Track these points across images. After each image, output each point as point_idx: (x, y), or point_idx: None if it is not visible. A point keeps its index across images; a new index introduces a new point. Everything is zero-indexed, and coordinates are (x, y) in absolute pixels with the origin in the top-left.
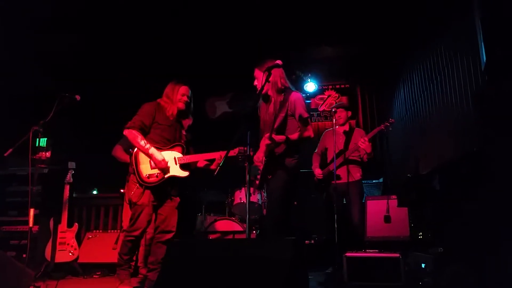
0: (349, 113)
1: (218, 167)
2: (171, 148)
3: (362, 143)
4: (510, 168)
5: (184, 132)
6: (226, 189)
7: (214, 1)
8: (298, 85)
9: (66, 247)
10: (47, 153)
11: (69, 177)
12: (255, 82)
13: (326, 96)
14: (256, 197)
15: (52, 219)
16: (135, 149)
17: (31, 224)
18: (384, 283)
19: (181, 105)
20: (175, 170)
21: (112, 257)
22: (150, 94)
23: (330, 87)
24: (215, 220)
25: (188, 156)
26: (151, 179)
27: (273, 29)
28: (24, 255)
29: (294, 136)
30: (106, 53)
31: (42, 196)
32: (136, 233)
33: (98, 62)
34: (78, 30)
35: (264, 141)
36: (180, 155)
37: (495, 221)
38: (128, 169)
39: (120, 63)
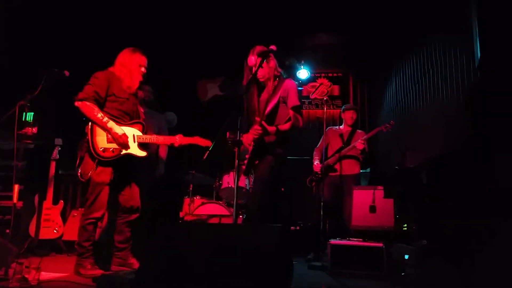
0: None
1: (207, 151)
2: (131, 125)
3: (360, 144)
4: (498, 165)
5: (141, 109)
6: (214, 173)
7: None
8: (291, 72)
9: (50, 224)
10: (34, 129)
11: (55, 153)
12: (248, 67)
13: (318, 84)
14: (244, 182)
15: (37, 195)
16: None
17: (15, 200)
18: (366, 272)
19: (141, 78)
20: (133, 149)
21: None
22: None
23: (323, 75)
24: (202, 203)
25: (148, 136)
26: (106, 154)
27: (267, 15)
28: (8, 231)
29: (285, 126)
30: (97, 29)
31: (27, 172)
32: (98, 214)
33: (88, 38)
34: (68, 5)
35: (254, 128)
36: (139, 133)
37: (480, 217)
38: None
39: (111, 39)
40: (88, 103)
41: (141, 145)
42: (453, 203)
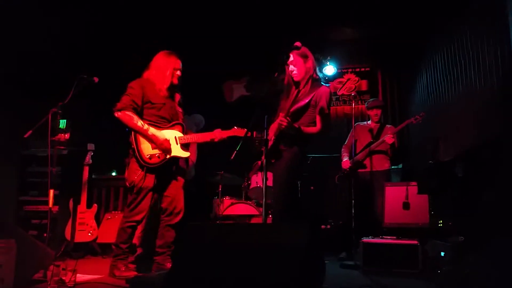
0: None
1: (235, 151)
2: (171, 127)
3: (390, 139)
4: None
5: (180, 109)
6: (242, 173)
7: None
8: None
9: (85, 227)
10: (66, 135)
11: (88, 158)
12: (288, 66)
13: (345, 80)
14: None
15: (71, 200)
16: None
17: (50, 205)
18: (400, 270)
19: (175, 81)
20: (177, 151)
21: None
22: None
23: (350, 70)
24: (232, 204)
25: (189, 136)
26: (153, 160)
27: (292, 11)
28: (45, 235)
29: (310, 129)
30: (122, 33)
31: (62, 177)
32: (138, 217)
33: (115, 44)
34: (95, 9)
35: (280, 118)
36: (180, 134)
37: None
38: (127, 151)
39: (136, 43)
40: (127, 112)
41: (184, 146)
42: (490, 197)
